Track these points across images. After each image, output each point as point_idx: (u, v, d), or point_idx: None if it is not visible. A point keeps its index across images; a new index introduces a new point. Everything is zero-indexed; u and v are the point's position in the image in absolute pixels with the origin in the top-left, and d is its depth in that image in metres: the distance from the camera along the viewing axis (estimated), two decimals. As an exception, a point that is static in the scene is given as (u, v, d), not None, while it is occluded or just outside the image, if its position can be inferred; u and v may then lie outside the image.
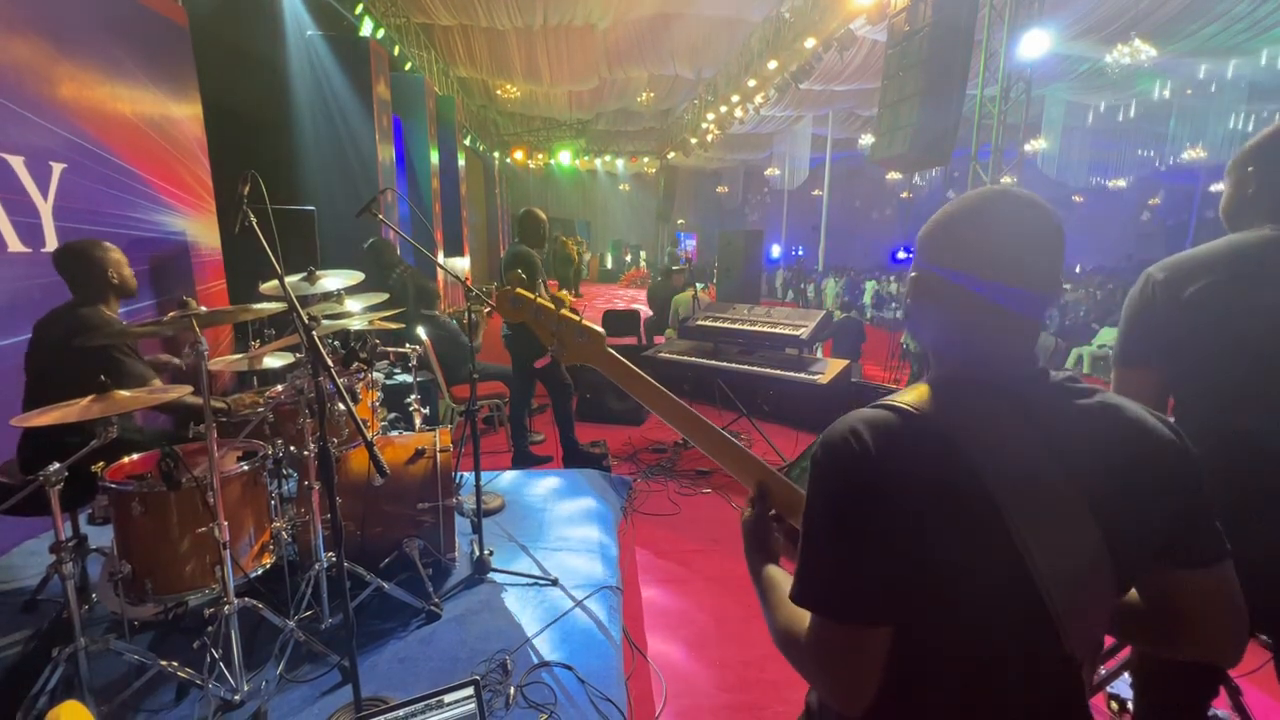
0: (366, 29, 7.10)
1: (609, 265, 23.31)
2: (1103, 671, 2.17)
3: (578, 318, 1.12)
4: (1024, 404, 0.73)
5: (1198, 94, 11.35)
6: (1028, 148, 12.66)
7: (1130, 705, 2.13)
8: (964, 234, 0.76)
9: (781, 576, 0.88)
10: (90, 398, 1.75)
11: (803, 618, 0.76)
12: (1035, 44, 6.33)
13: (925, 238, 0.81)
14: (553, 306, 1.12)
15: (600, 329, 1.13)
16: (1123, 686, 2.17)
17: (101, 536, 2.31)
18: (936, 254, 0.79)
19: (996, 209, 0.75)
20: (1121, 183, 18.24)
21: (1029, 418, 0.72)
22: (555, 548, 2.93)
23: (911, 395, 0.75)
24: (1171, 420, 0.76)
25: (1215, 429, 1.24)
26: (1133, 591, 0.81)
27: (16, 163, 2.81)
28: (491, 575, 2.64)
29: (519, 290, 1.13)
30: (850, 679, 0.72)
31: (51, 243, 2.97)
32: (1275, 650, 1.33)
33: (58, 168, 3.04)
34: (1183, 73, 10.30)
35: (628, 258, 23.40)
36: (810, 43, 8.10)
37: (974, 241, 0.75)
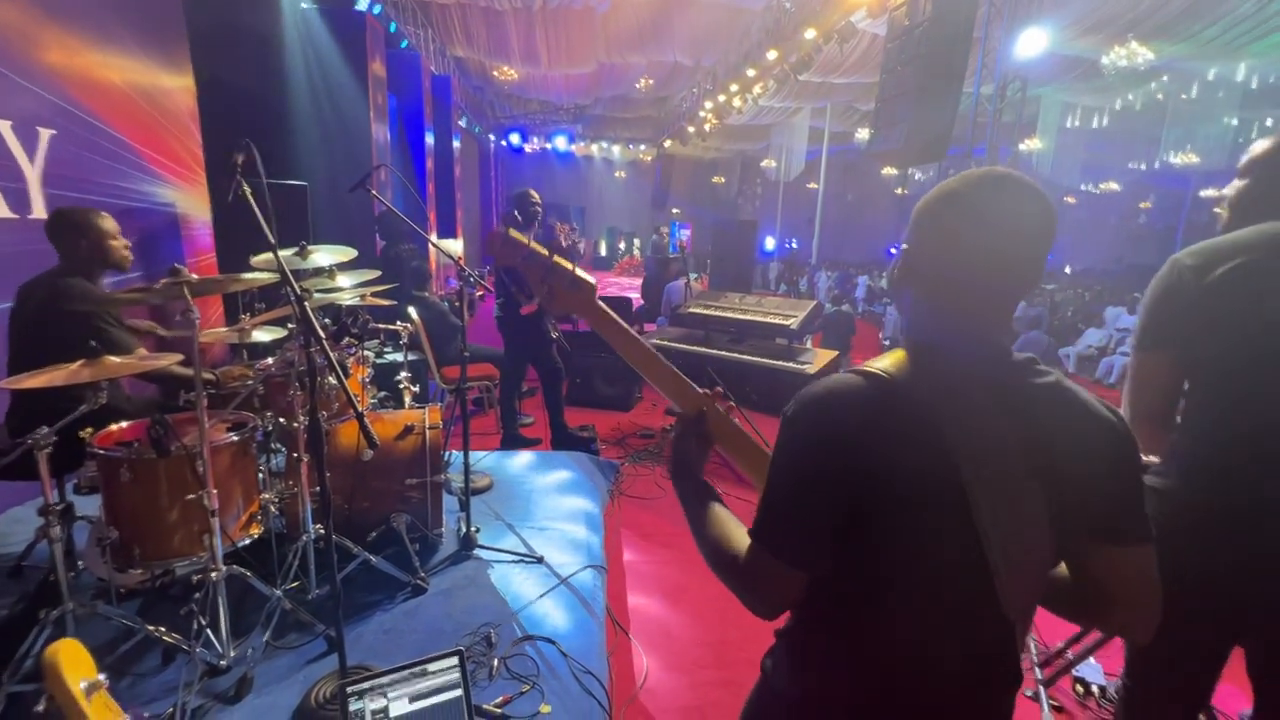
0: (363, 4, 6.99)
1: (603, 252, 23.23)
2: (1069, 655, 2.24)
3: (570, 265, 1.09)
4: (991, 378, 0.78)
5: (1191, 99, 11.42)
6: (1022, 147, 12.72)
7: (1094, 689, 2.20)
8: (953, 222, 0.79)
9: (716, 507, 0.96)
10: (80, 362, 1.75)
11: (738, 539, 0.86)
12: (1032, 42, 6.35)
13: (919, 216, 0.83)
14: (545, 252, 1.08)
15: (592, 279, 1.10)
16: (1088, 670, 2.24)
17: (88, 506, 2.32)
18: (925, 235, 0.82)
19: (992, 199, 0.77)
20: (1114, 185, 18.37)
21: (994, 391, 0.77)
22: (541, 527, 2.97)
23: (887, 361, 0.80)
24: (1114, 407, 0.81)
25: (1234, 415, 1.25)
26: (1061, 565, 0.86)
27: (4, 127, 2.77)
28: (478, 552, 2.67)
29: (511, 231, 1.09)
30: (775, 601, 0.83)
31: (39, 210, 2.94)
32: (1249, 645, 1.36)
33: (45, 134, 3.00)
34: (1178, 76, 10.36)
35: (621, 245, 23.33)
36: (811, 34, 8.07)
37: (962, 231, 0.78)
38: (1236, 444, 1.27)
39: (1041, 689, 2.19)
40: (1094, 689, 2.20)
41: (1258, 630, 1.32)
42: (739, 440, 1.05)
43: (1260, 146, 1.39)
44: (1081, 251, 22.55)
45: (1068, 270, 21.00)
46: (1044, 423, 0.76)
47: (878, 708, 0.81)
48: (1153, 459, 1.45)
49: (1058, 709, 2.17)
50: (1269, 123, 12.31)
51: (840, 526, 0.77)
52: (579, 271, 1.09)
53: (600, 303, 1.10)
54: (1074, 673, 2.23)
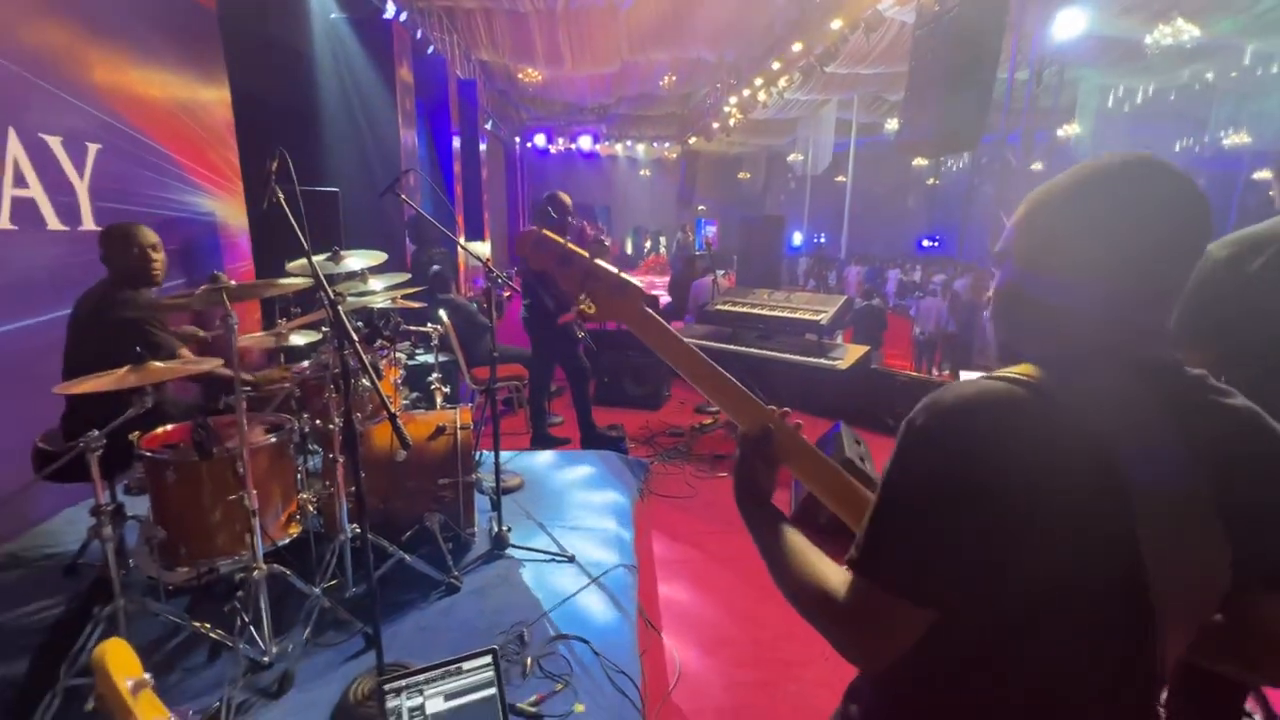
0: (390, 12, 7.12)
1: (629, 251, 23.26)
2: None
3: (613, 269, 0.97)
4: (1160, 389, 0.66)
5: (1242, 76, 10.87)
6: (1060, 133, 12.30)
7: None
8: (1104, 212, 0.67)
9: (792, 532, 0.83)
10: (126, 368, 1.81)
11: (832, 574, 0.73)
12: (1070, 23, 6.13)
13: (1022, 227, 0.73)
14: (585, 253, 0.96)
15: (638, 283, 0.99)
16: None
17: (138, 507, 2.41)
18: (1036, 245, 0.71)
19: (1146, 185, 0.66)
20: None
21: (1166, 405, 0.65)
22: (572, 526, 2.98)
23: (1023, 370, 0.68)
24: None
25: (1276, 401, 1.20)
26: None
27: (54, 143, 2.90)
28: (510, 551, 2.69)
29: (545, 231, 0.98)
30: (883, 648, 0.69)
31: (88, 221, 3.06)
32: None
33: (93, 148, 3.13)
34: (1227, 54, 9.88)
35: (647, 244, 23.33)
36: (837, 24, 7.93)
37: (1119, 222, 0.66)
38: None
39: None
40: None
41: None
42: (811, 460, 0.91)
43: None
44: (1124, 239, 21.68)
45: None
46: (1230, 450, 0.64)
47: None
48: None
49: None
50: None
51: (977, 559, 0.64)
52: (624, 275, 0.97)
53: (648, 309, 0.97)
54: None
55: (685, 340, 0.97)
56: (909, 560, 0.67)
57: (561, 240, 0.97)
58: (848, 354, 3.98)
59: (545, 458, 3.86)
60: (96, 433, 1.71)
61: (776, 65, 9.86)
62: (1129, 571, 0.63)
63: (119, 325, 2.24)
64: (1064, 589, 0.64)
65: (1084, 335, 0.69)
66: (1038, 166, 6.55)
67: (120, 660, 0.92)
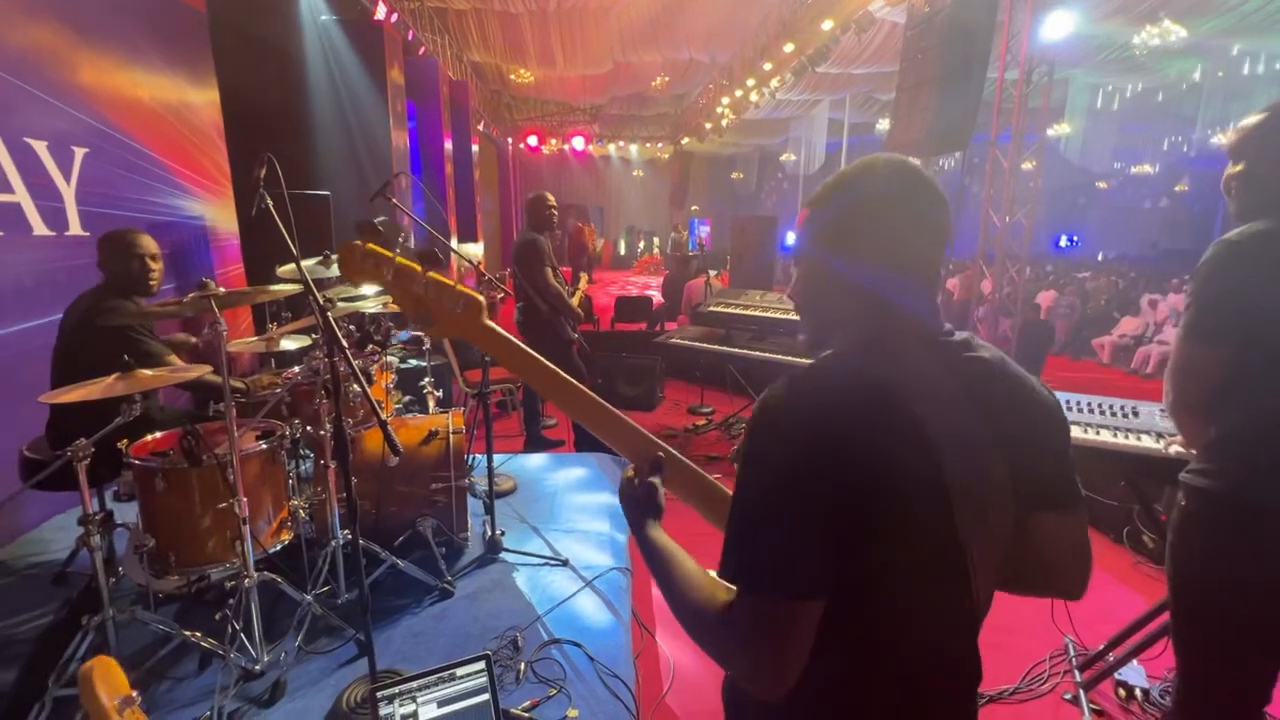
0: (380, 14, 7.09)
1: (622, 251, 23.25)
2: (1110, 658, 2.17)
3: (451, 281, 0.93)
4: (939, 359, 0.76)
5: (1229, 76, 10.97)
6: (1050, 132, 12.38)
7: (1138, 692, 2.13)
8: (849, 216, 0.78)
9: (681, 555, 0.85)
10: (114, 376, 1.80)
11: (720, 594, 0.72)
12: (1059, 25, 6.16)
13: (809, 221, 0.82)
14: (417, 268, 0.92)
15: (479, 296, 0.96)
16: (1130, 673, 2.17)
17: (128, 513, 2.39)
18: (823, 236, 0.80)
19: (886, 186, 0.77)
20: (1147, 168, 17.78)
21: (948, 367, 0.75)
22: (566, 530, 2.97)
23: (833, 357, 0.77)
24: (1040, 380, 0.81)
25: None
26: None
27: (40, 147, 2.87)
28: (503, 555, 2.69)
29: (370, 246, 0.92)
30: (782, 658, 0.68)
31: (75, 227, 3.03)
32: None
33: (79, 152, 3.10)
34: (1214, 54, 9.97)
35: (641, 244, 23.33)
36: (828, 25, 7.95)
37: (860, 224, 0.77)
38: None
39: (1081, 692, 2.12)
40: (1137, 692, 2.13)
41: None
42: (699, 484, 0.96)
43: (1251, 122, 1.30)
44: (1115, 237, 21.86)
45: (1100, 257, 20.38)
46: (995, 395, 0.75)
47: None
48: (1191, 451, 1.39)
49: (1099, 713, 2.11)
50: (1313, 98, 11.77)
51: (844, 540, 0.67)
52: (461, 287, 0.92)
53: (491, 324, 0.94)
54: (1116, 675, 2.16)
55: (551, 366, 0.97)
56: (774, 556, 0.67)
57: (391, 255, 0.93)
58: (840, 355, 3.99)
59: (538, 460, 3.86)
60: (85, 441, 1.70)
61: (768, 66, 9.88)
62: (945, 519, 0.69)
63: (107, 333, 2.22)
64: (903, 548, 0.69)
65: (878, 313, 0.77)
66: (1029, 166, 6.59)
67: (107, 678, 0.91)
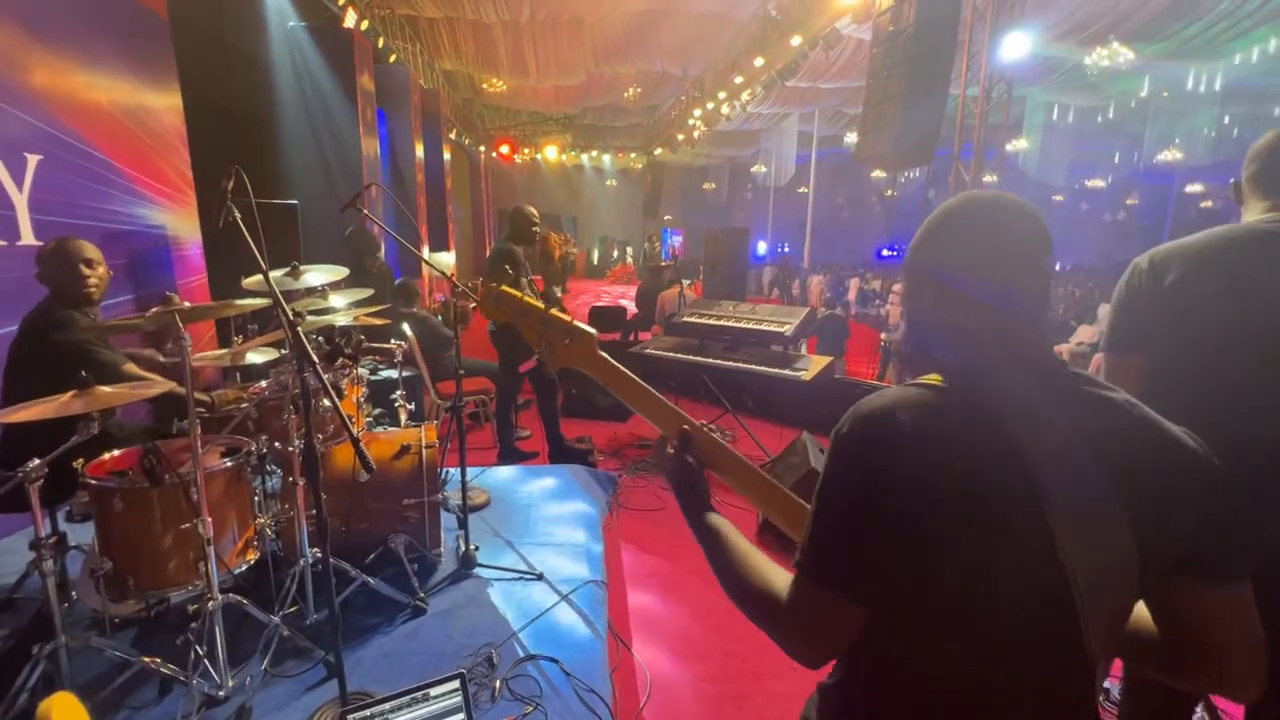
0: (350, 21, 7.01)
1: (595, 261, 23.27)
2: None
3: (567, 317, 1.05)
4: (1054, 386, 0.72)
5: (1174, 96, 11.57)
6: (1009, 148, 12.83)
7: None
8: (951, 237, 0.79)
9: (733, 533, 0.90)
10: (70, 393, 1.73)
11: (774, 575, 0.79)
12: (1016, 45, 6.42)
13: (920, 242, 0.82)
14: (540, 305, 1.05)
15: (592, 330, 1.06)
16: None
17: (81, 534, 2.29)
18: (931, 257, 0.81)
19: (984, 213, 0.78)
20: (1100, 182, 18.56)
21: (1061, 400, 0.70)
22: (541, 543, 2.95)
23: (935, 378, 0.75)
24: (1191, 433, 0.73)
25: (1203, 411, 1.25)
26: (1144, 612, 0.76)
27: (-10, 154, 2.76)
28: (477, 570, 2.65)
29: (504, 288, 1.07)
30: (828, 645, 0.75)
31: (28, 236, 2.92)
32: None
33: (33, 159, 2.99)
34: (1159, 75, 10.50)
35: (614, 254, 23.39)
36: (797, 41, 8.13)
37: (965, 244, 0.77)
38: (1213, 447, 1.27)
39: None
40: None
41: None
42: (729, 461, 1.01)
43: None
44: (1071, 248, 22.69)
45: (1058, 267, 21.12)
46: (1118, 437, 0.69)
47: None
48: None
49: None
50: (1243, 117, 12.46)
51: (906, 554, 0.68)
52: (576, 322, 1.05)
53: (604, 354, 1.05)
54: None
55: (640, 381, 1.06)
56: (844, 559, 0.72)
57: (518, 294, 1.05)
58: (812, 365, 4.05)
59: (512, 473, 3.82)
60: (37, 461, 1.63)
61: (739, 79, 10.04)
62: (1048, 568, 0.66)
63: (59, 348, 2.13)
64: (986, 586, 0.67)
65: (986, 337, 0.76)
66: (990, 179, 6.82)
67: (67, 715, 0.87)
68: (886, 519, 0.69)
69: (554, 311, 1.05)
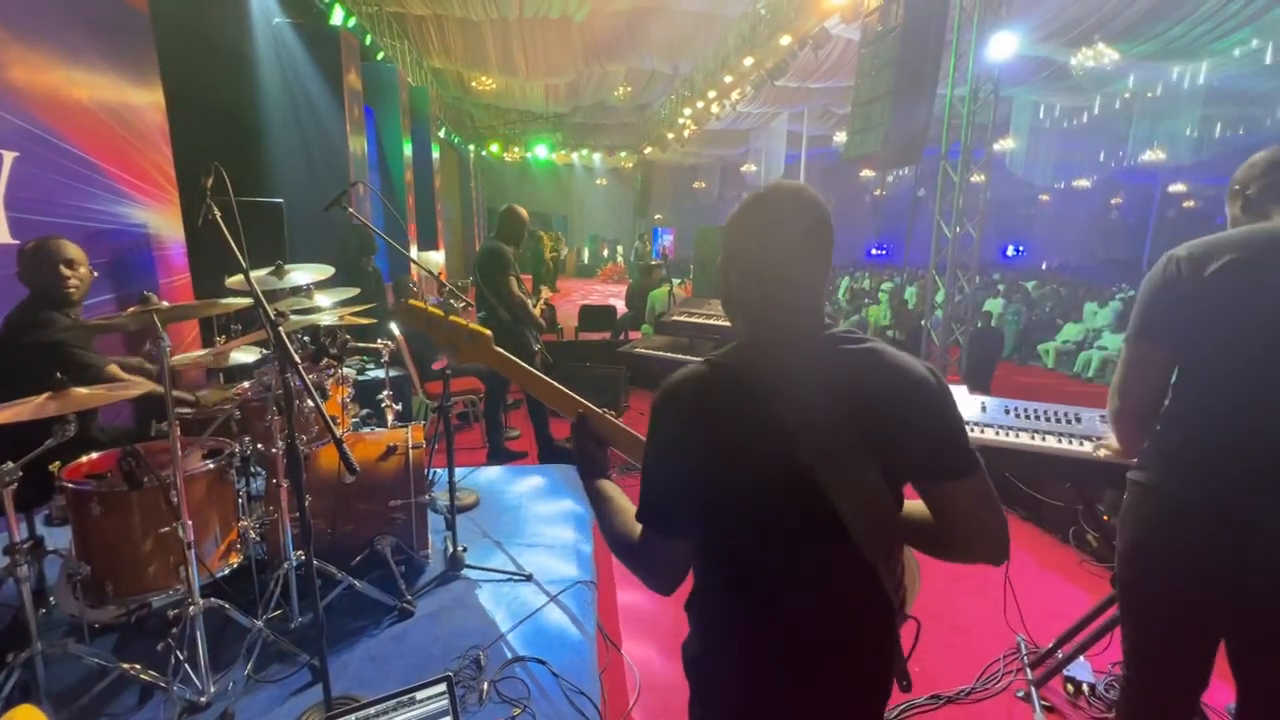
0: (337, 18, 6.94)
1: (585, 260, 23.21)
2: (1060, 655, 2.25)
3: (464, 322, 1.25)
4: (808, 353, 0.89)
5: (1157, 98, 11.69)
6: (996, 147, 12.92)
7: (1085, 687, 2.22)
8: (739, 236, 0.95)
9: (614, 490, 1.07)
10: (45, 395, 1.69)
11: (634, 525, 0.95)
12: (1003, 46, 6.45)
13: (729, 232, 0.97)
14: (441, 314, 1.24)
15: (487, 330, 1.26)
16: (1078, 669, 2.25)
17: (60, 538, 2.25)
18: (727, 250, 0.97)
19: (757, 213, 0.93)
20: (1085, 182, 18.74)
21: (812, 363, 0.88)
22: (530, 544, 2.93)
23: (723, 352, 0.93)
24: (925, 362, 0.90)
25: (1226, 413, 1.26)
26: (921, 507, 0.95)
27: (-36, 151, 2.70)
28: (465, 572, 2.63)
29: (410, 301, 1.27)
30: (665, 576, 0.94)
31: (4, 235, 2.86)
32: (1225, 636, 1.37)
33: (9, 156, 2.92)
34: (1143, 76, 10.61)
35: (605, 253, 23.34)
36: (786, 40, 8.14)
37: (741, 247, 0.94)
38: (1226, 442, 1.27)
39: (1033, 689, 2.20)
40: (1084, 687, 2.21)
41: (1238, 627, 1.34)
42: (623, 436, 1.18)
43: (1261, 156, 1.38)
44: (1056, 247, 22.95)
45: (1044, 266, 21.33)
46: (865, 385, 0.86)
47: (767, 659, 0.91)
48: (1129, 461, 1.46)
49: (1050, 709, 2.18)
50: (1224, 119, 12.64)
51: (696, 497, 0.87)
52: (473, 325, 1.26)
53: (499, 349, 1.26)
54: (1065, 672, 2.24)
55: (533, 370, 1.27)
56: (657, 503, 0.91)
57: (422, 305, 1.26)
58: (801, 363, 4.07)
59: (501, 473, 3.80)
60: (11, 465, 1.59)
61: (729, 78, 10.04)
62: (812, 494, 0.84)
63: (37, 349, 2.09)
64: (762, 515, 0.87)
65: (757, 320, 0.94)
66: (978, 179, 6.86)
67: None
68: (679, 469, 0.88)
69: (453, 318, 1.24)
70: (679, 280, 10.57)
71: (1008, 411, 2.46)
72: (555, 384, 1.25)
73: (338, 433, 1.48)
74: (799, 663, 0.91)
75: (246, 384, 2.36)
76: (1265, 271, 1.23)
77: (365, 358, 4.19)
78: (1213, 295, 1.24)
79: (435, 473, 3.13)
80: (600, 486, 1.09)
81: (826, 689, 0.92)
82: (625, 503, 1.04)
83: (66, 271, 2.26)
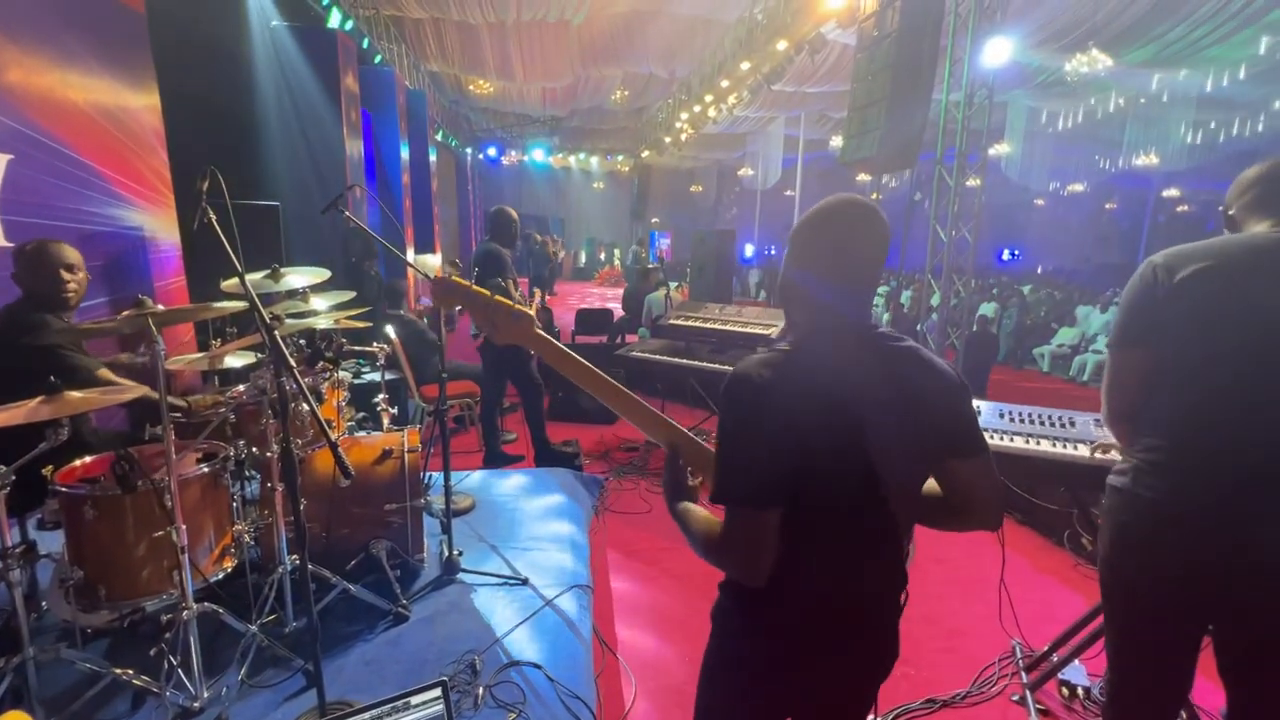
0: (334, 20, 6.94)
1: (582, 263, 23.22)
2: (1054, 659, 2.26)
3: (509, 302, 1.23)
4: (862, 346, 1.03)
5: (1150, 103, 11.76)
6: (991, 152, 12.98)
7: (1080, 690, 2.22)
8: (816, 242, 1.06)
9: (696, 508, 1.14)
10: (38, 399, 1.69)
11: (717, 524, 1.03)
12: (997, 52, 6.50)
13: (788, 242, 1.09)
14: (486, 292, 1.21)
15: (530, 311, 1.23)
16: (1072, 673, 2.26)
17: (52, 543, 2.23)
18: (790, 256, 1.09)
19: (833, 222, 1.05)
20: (1079, 187, 18.82)
21: (866, 355, 1.02)
22: (526, 547, 2.93)
23: (787, 342, 1.05)
24: (949, 364, 1.07)
25: (1200, 417, 1.28)
26: (933, 485, 1.10)
27: (-41, 153, 2.69)
28: (461, 576, 2.63)
29: (454, 277, 1.24)
30: (756, 554, 0.99)
31: (-2, 237, 2.85)
32: (1213, 637, 1.38)
33: (3, 159, 2.91)
34: (1137, 83, 10.67)
35: (601, 256, 23.35)
36: (782, 45, 8.17)
37: (812, 250, 1.06)
38: (1199, 445, 1.29)
39: (1028, 693, 2.20)
40: (1079, 690, 2.22)
41: (1222, 629, 1.35)
42: (705, 455, 1.19)
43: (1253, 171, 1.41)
44: (1051, 252, 23.02)
45: (1039, 270, 21.41)
46: (910, 376, 1.01)
47: (814, 617, 1.03)
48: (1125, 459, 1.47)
49: (1044, 712, 2.18)
50: (1216, 124, 12.72)
51: (784, 468, 0.95)
52: (518, 306, 1.22)
53: (540, 331, 1.23)
54: (1059, 675, 2.25)
55: (591, 366, 1.22)
56: (742, 477, 0.97)
57: (466, 283, 1.23)
58: (797, 367, 4.07)
59: (497, 477, 3.79)
60: (3, 469, 1.59)
61: (726, 83, 10.08)
62: (866, 470, 0.97)
63: (29, 353, 2.08)
64: (829, 486, 0.98)
65: (820, 314, 1.06)
66: (974, 183, 6.90)
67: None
68: (759, 443, 0.96)
69: (498, 297, 1.21)
70: (676, 284, 10.57)
71: (1002, 415, 2.47)
72: (599, 371, 1.23)
73: (333, 436, 1.48)
74: (840, 632, 1.04)
75: (242, 387, 2.36)
76: (1237, 277, 1.25)
77: (361, 361, 4.18)
78: (1183, 300, 1.28)
79: (431, 476, 3.12)
80: (681, 505, 1.16)
81: (856, 659, 1.08)
82: (705, 511, 1.12)
83: (66, 276, 2.26)
